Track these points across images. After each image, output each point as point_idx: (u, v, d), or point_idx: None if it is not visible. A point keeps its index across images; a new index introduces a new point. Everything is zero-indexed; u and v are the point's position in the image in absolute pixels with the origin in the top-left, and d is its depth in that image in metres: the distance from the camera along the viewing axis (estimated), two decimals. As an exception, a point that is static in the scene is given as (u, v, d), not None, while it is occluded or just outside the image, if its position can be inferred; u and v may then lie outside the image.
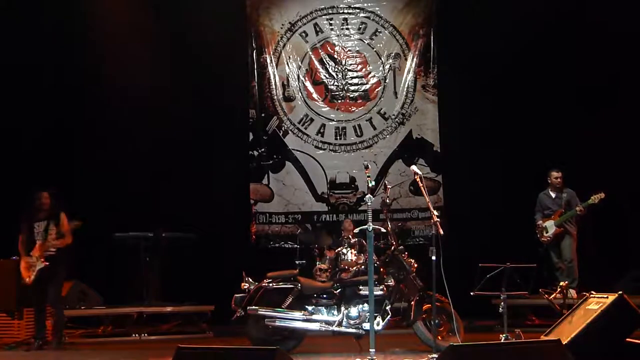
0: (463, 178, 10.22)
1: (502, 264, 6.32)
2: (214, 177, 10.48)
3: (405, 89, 10.85)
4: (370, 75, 10.92)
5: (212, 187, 10.40)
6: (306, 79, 10.97)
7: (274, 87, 10.96)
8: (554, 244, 8.81)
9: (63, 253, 7.73)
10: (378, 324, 6.69)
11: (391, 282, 6.94)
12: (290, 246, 10.48)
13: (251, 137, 10.93)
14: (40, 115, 9.96)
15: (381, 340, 6.20)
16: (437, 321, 6.57)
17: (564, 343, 4.91)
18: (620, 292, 5.40)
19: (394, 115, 10.82)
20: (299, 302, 6.95)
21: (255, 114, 10.92)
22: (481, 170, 9.98)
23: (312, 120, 10.89)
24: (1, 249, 8.48)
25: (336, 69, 10.93)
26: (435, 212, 6.09)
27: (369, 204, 5.70)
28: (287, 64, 10.97)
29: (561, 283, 7.36)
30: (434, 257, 5.87)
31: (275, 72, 10.98)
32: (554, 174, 8.85)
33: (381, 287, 6.85)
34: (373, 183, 6.05)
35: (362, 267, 7.24)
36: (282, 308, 6.87)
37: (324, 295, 7.07)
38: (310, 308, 6.98)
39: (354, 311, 6.90)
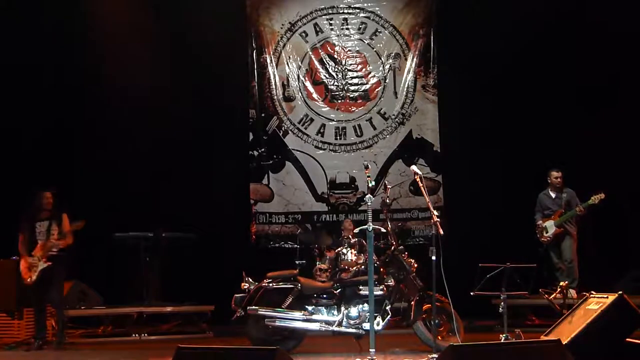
0: (463, 178, 10.22)
1: (502, 264, 6.32)
2: (214, 177, 10.48)
3: (405, 89, 10.85)
4: (370, 75, 10.92)
5: (212, 187, 10.41)
6: (306, 79, 10.97)
7: (274, 87, 10.96)
8: (554, 244, 8.81)
9: (64, 253, 7.73)
10: (378, 324, 6.69)
11: (391, 282, 6.94)
12: (290, 246, 10.48)
13: (251, 137, 10.93)
14: (40, 115, 9.95)
15: (381, 340, 6.19)
16: (437, 321, 6.57)
17: (564, 343, 4.91)
18: (620, 292, 5.40)
19: (394, 115, 10.82)
20: (299, 302, 6.95)
21: (255, 114, 10.92)
22: (481, 170, 9.98)
23: (312, 120, 10.89)
24: (1, 249, 8.48)
25: (336, 69, 10.94)
26: (435, 212, 6.09)
27: (369, 204, 5.70)
28: (287, 64, 10.97)
29: (561, 283, 7.36)
30: (434, 257, 5.88)
31: (275, 72, 10.98)
32: (554, 174, 8.85)
33: (381, 287, 6.85)
34: (373, 183, 6.05)
35: (362, 267, 7.24)
36: (282, 308, 6.88)
37: (324, 295, 7.07)
38: (310, 308, 6.98)
39: (354, 311, 6.90)
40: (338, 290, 7.05)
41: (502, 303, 6.44)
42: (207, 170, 10.41)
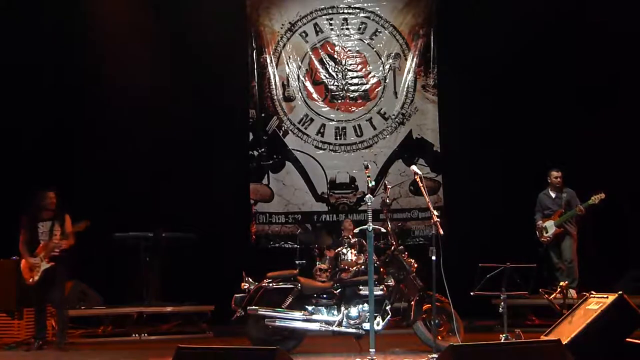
0: (463, 178, 10.22)
1: (502, 264, 6.32)
2: (214, 177, 10.48)
3: (405, 89, 10.85)
4: (370, 75, 10.92)
5: (212, 187, 10.40)
6: (306, 79, 10.97)
7: (274, 87, 10.96)
8: (554, 244, 8.81)
9: (66, 254, 7.71)
10: (378, 324, 6.69)
11: (391, 282, 6.94)
12: (290, 246, 10.48)
13: (251, 137, 10.93)
14: (40, 115, 9.95)
15: (381, 340, 6.20)
16: (437, 321, 6.58)
17: (564, 343, 4.91)
18: (620, 292, 5.40)
19: (394, 115, 10.82)
20: (299, 302, 6.95)
21: (255, 114, 10.92)
22: (481, 170, 9.98)
23: (312, 120, 10.89)
24: (1, 249, 8.47)
25: (336, 69, 10.94)
26: (435, 212, 6.09)
27: (369, 204, 5.70)
28: (287, 64, 10.97)
29: (561, 283, 7.36)
30: (434, 257, 5.88)
31: (275, 72, 10.98)
32: (554, 173, 8.85)
33: (381, 287, 6.85)
34: (373, 183, 6.05)
35: (362, 267, 7.24)
36: (282, 308, 6.87)
37: (324, 295, 7.07)
38: (310, 308, 6.98)
39: (354, 311, 6.90)
40: (338, 290, 7.05)
41: (502, 303, 6.44)
42: (207, 170, 10.41)
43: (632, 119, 9.30)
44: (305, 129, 10.88)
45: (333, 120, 10.89)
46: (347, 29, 10.97)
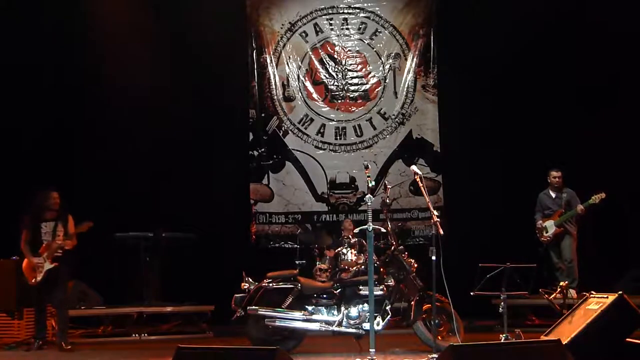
0: (463, 178, 10.23)
1: (502, 264, 6.32)
2: (214, 177, 10.48)
3: (405, 89, 10.85)
4: (370, 75, 10.92)
5: (212, 187, 10.41)
6: (306, 79, 10.97)
7: (274, 87, 10.96)
8: (554, 244, 8.81)
9: (69, 254, 7.70)
10: (378, 324, 6.69)
11: (391, 282, 6.94)
12: (290, 246, 10.48)
13: (251, 137, 10.93)
14: (40, 115, 9.95)
15: (381, 340, 6.20)
16: (437, 321, 6.57)
17: (564, 343, 4.91)
18: (620, 292, 5.40)
19: (394, 115, 10.82)
20: (299, 302, 6.95)
21: (255, 114, 10.92)
22: (481, 170, 9.98)
23: (312, 120, 10.89)
24: (1, 249, 8.47)
25: (336, 69, 10.94)
26: (435, 212, 6.09)
27: (369, 204, 5.70)
28: (287, 64, 10.97)
29: (561, 283, 7.36)
30: (434, 257, 5.88)
31: (275, 72, 10.98)
32: (554, 173, 8.85)
33: (381, 287, 6.85)
34: (373, 183, 6.05)
35: (362, 267, 7.24)
36: (282, 308, 6.87)
37: (324, 295, 7.07)
38: (310, 308, 6.98)
39: (354, 311, 6.90)
40: (338, 290, 7.05)
41: (502, 303, 6.44)
42: (207, 170, 10.41)
43: (632, 119, 9.30)
44: (305, 129, 10.88)
45: (333, 120, 10.89)
46: (347, 29, 10.97)
